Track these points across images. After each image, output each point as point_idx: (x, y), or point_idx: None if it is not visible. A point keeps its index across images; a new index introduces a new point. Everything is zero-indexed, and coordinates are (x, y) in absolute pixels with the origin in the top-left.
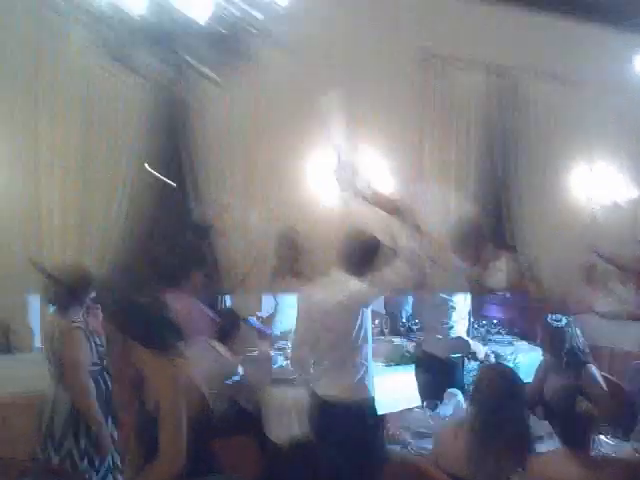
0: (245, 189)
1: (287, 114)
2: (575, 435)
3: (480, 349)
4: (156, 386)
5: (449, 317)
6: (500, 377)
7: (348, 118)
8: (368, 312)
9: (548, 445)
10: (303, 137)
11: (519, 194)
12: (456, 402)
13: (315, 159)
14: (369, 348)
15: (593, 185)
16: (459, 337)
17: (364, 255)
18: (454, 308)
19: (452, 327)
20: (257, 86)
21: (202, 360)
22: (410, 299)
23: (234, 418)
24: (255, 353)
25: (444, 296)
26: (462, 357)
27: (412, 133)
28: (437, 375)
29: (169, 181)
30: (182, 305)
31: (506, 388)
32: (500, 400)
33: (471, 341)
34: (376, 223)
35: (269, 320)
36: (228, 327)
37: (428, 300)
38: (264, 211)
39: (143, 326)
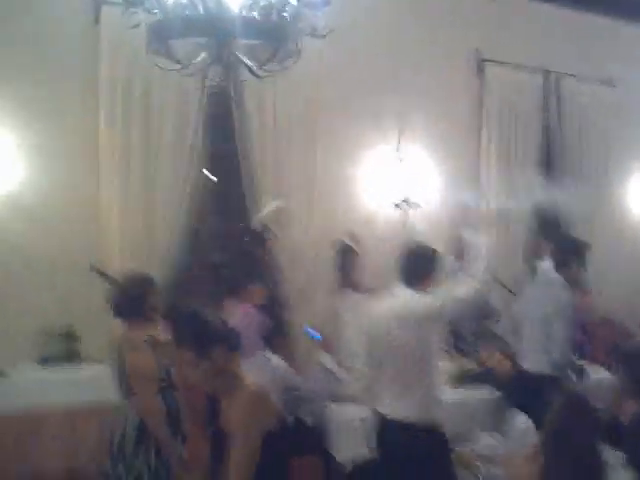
0: (303, 199)
1: (341, 115)
2: None
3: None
4: (237, 403)
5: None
6: (576, 405)
7: (404, 124)
8: (433, 329)
9: (620, 475)
10: (359, 141)
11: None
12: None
13: (372, 165)
14: (436, 368)
15: None
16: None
17: (421, 268)
18: None
19: None
20: (312, 86)
21: (262, 373)
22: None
23: (298, 435)
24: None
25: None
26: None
27: (470, 138)
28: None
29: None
30: (241, 316)
31: (581, 416)
32: (575, 428)
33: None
34: (436, 236)
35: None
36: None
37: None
38: (323, 220)
39: (195, 332)
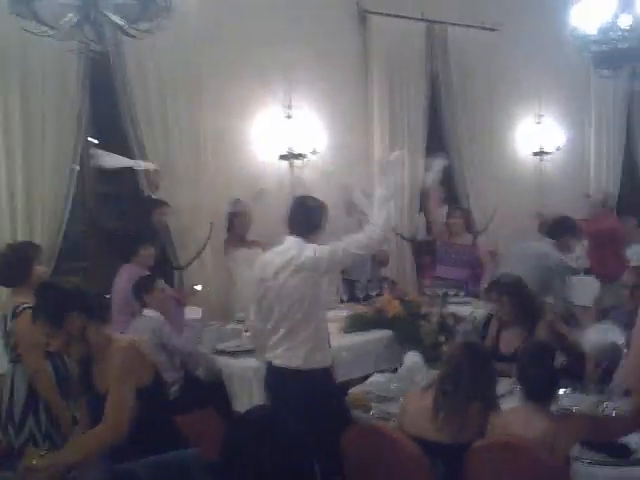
0: (191, 156)
1: (227, 73)
2: (541, 390)
3: None
4: (108, 363)
5: None
6: (469, 343)
7: (291, 79)
8: (323, 279)
9: (508, 402)
10: (247, 98)
11: (466, 150)
12: (416, 364)
13: (260, 123)
14: (324, 315)
15: (540, 136)
16: None
17: (309, 219)
18: None
19: None
20: (194, 45)
21: (141, 331)
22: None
23: (195, 391)
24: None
25: None
26: None
27: (357, 91)
28: None
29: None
30: (125, 277)
31: (474, 352)
32: (468, 364)
33: None
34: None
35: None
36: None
37: None
38: (214, 182)
39: (47, 305)
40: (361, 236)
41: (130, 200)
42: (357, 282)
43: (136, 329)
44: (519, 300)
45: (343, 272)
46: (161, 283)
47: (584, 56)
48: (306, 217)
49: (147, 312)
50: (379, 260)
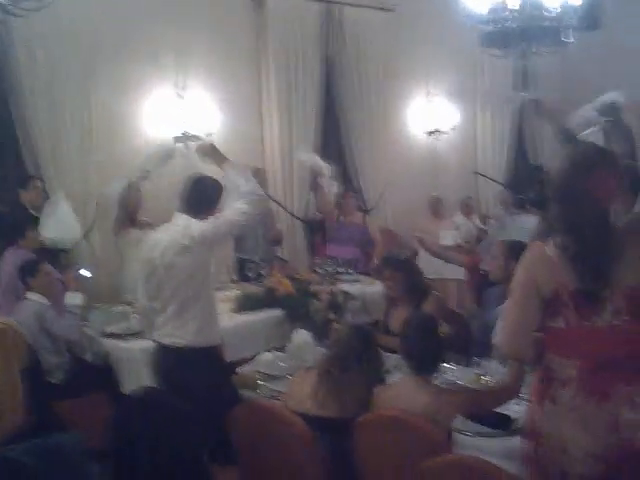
0: (81, 138)
1: (118, 51)
2: (424, 363)
3: None
4: None
5: None
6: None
7: (183, 60)
8: (212, 255)
9: (395, 377)
10: (138, 78)
11: (358, 130)
12: (304, 342)
13: (152, 101)
14: (213, 293)
15: (431, 115)
16: None
17: (204, 196)
18: None
19: None
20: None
21: (22, 314)
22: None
23: (82, 375)
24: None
25: None
26: None
27: (251, 72)
28: None
29: None
30: (9, 259)
31: (362, 332)
32: (356, 343)
33: None
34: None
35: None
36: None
37: None
38: (103, 162)
39: None
40: (239, 204)
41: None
42: (249, 261)
43: (20, 313)
44: (409, 277)
45: (236, 250)
46: (47, 266)
47: (475, 36)
48: (201, 195)
49: (31, 295)
50: (272, 238)
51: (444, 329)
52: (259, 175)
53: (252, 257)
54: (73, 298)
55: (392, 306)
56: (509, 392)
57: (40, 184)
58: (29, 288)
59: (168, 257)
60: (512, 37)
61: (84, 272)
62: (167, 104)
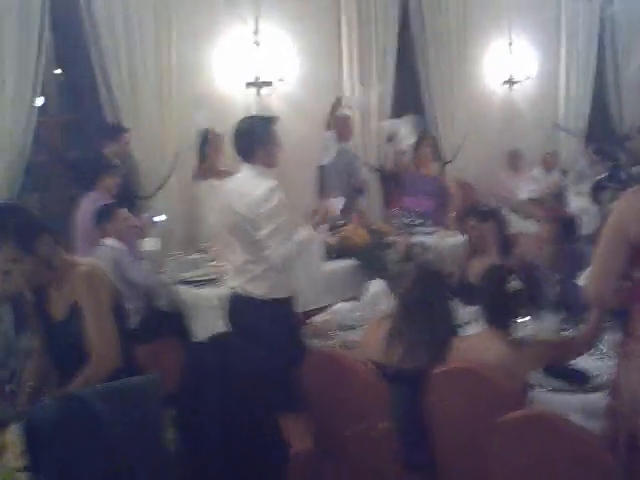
0: (159, 89)
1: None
2: (501, 315)
3: None
4: (69, 287)
5: None
6: (423, 271)
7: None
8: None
9: (473, 329)
10: (214, 24)
11: (437, 80)
12: (380, 292)
13: (226, 49)
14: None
15: (512, 65)
16: None
17: (252, 136)
18: None
19: None
20: None
21: (102, 260)
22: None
23: (157, 321)
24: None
25: None
26: None
27: (328, 20)
28: None
29: None
30: (84, 205)
31: (429, 280)
32: (424, 291)
33: None
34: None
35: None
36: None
37: None
38: (180, 112)
39: (16, 226)
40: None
41: (92, 129)
42: None
43: (97, 258)
44: (496, 227)
45: (320, 197)
46: (124, 212)
47: None
48: (248, 135)
49: (108, 241)
50: (356, 188)
51: (519, 284)
52: (346, 122)
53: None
54: (149, 244)
55: (471, 257)
56: (586, 343)
57: (129, 137)
58: (105, 233)
59: (233, 207)
60: None
61: (160, 218)
62: (243, 50)
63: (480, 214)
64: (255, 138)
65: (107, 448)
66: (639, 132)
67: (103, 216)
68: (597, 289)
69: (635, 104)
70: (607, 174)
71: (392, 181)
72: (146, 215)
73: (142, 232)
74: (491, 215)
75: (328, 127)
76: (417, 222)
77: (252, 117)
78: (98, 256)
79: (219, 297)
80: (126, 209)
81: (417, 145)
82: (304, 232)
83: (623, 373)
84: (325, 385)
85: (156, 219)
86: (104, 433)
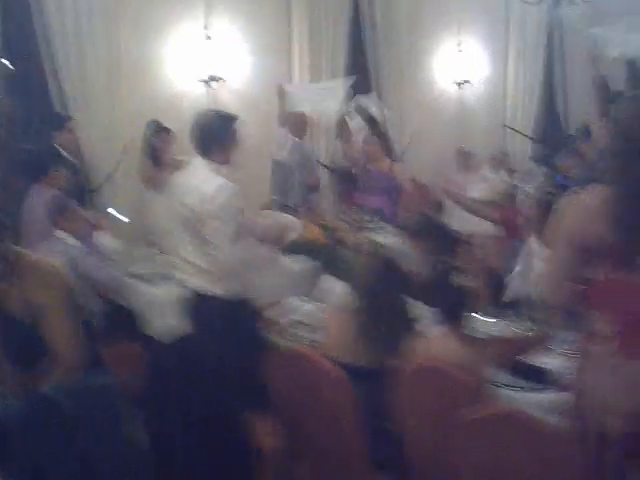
0: (108, 79)
1: None
2: (452, 311)
3: None
4: (26, 284)
5: None
6: (386, 266)
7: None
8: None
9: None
10: (165, 18)
11: (387, 80)
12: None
13: (177, 44)
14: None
15: (461, 66)
16: None
17: (212, 133)
18: None
19: None
20: None
21: (56, 255)
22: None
23: (116, 319)
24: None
25: None
26: None
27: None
28: None
29: None
30: (35, 198)
31: (386, 275)
32: (380, 287)
33: None
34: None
35: None
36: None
37: None
38: (129, 105)
39: None
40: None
41: (40, 120)
42: (285, 206)
43: (49, 252)
44: (429, 240)
45: (272, 192)
46: (74, 204)
47: None
48: (208, 131)
49: (61, 235)
50: (310, 185)
51: (469, 281)
52: (300, 119)
53: (287, 201)
54: (109, 240)
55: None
56: (538, 337)
57: (74, 126)
58: (58, 227)
59: (185, 201)
60: None
61: (112, 211)
62: (193, 45)
63: (411, 233)
64: (214, 134)
65: (75, 447)
66: (583, 134)
67: (56, 209)
68: (551, 293)
69: (581, 105)
70: (544, 180)
71: (343, 178)
72: (109, 210)
73: (96, 226)
74: (420, 231)
75: (281, 123)
76: (369, 219)
77: (214, 112)
78: (51, 249)
79: (174, 294)
80: (76, 201)
81: (367, 141)
82: (253, 248)
83: (586, 373)
84: (291, 383)
85: (110, 211)
86: (72, 432)
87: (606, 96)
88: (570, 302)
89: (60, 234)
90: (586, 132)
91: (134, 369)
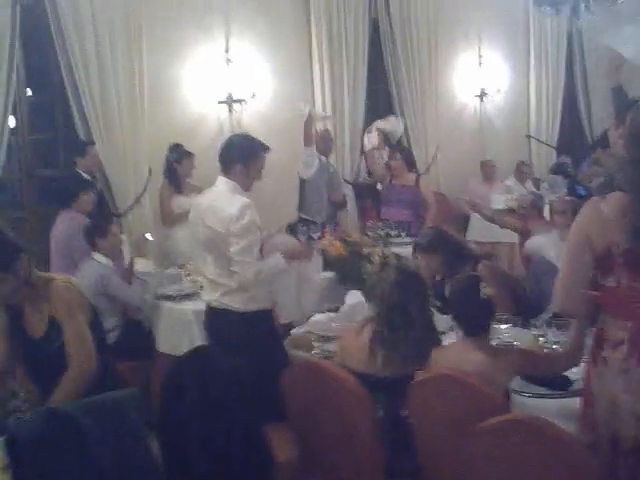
0: (130, 103)
1: (164, 14)
2: (475, 323)
3: None
4: (46, 303)
5: None
6: (402, 273)
7: (230, 22)
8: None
9: (450, 339)
10: (185, 42)
11: (409, 94)
12: (357, 303)
13: (198, 67)
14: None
15: (482, 77)
16: None
17: (233, 152)
18: None
19: None
20: None
21: (88, 275)
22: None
23: (136, 336)
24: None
25: None
26: None
27: (298, 35)
28: None
29: None
30: (67, 222)
31: (409, 287)
32: (403, 298)
33: None
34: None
35: None
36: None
37: None
38: (151, 129)
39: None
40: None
41: (65, 146)
42: (311, 222)
43: (84, 273)
44: (442, 254)
45: (299, 209)
46: (116, 228)
47: None
48: (230, 151)
49: (96, 256)
50: (336, 201)
51: (490, 291)
52: (325, 137)
53: (314, 218)
54: (144, 265)
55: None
56: (569, 360)
57: (96, 150)
58: (96, 249)
59: (206, 221)
60: None
61: (148, 236)
62: (214, 68)
63: (422, 248)
64: (239, 152)
65: (92, 462)
66: (599, 144)
67: (96, 232)
68: (565, 300)
69: (604, 113)
70: (566, 191)
71: (366, 193)
72: (146, 235)
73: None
74: (432, 246)
75: (307, 142)
76: (394, 233)
77: (246, 135)
78: (86, 270)
79: (196, 311)
80: (116, 225)
81: (390, 157)
82: (273, 260)
83: (597, 380)
84: (309, 395)
85: (146, 236)
86: (89, 447)
87: (623, 103)
88: (583, 309)
89: (96, 256)
90: (605, 140)
91: (149, 384)
